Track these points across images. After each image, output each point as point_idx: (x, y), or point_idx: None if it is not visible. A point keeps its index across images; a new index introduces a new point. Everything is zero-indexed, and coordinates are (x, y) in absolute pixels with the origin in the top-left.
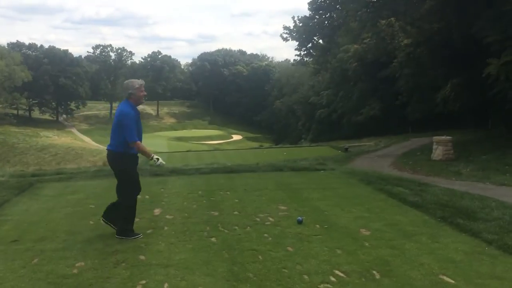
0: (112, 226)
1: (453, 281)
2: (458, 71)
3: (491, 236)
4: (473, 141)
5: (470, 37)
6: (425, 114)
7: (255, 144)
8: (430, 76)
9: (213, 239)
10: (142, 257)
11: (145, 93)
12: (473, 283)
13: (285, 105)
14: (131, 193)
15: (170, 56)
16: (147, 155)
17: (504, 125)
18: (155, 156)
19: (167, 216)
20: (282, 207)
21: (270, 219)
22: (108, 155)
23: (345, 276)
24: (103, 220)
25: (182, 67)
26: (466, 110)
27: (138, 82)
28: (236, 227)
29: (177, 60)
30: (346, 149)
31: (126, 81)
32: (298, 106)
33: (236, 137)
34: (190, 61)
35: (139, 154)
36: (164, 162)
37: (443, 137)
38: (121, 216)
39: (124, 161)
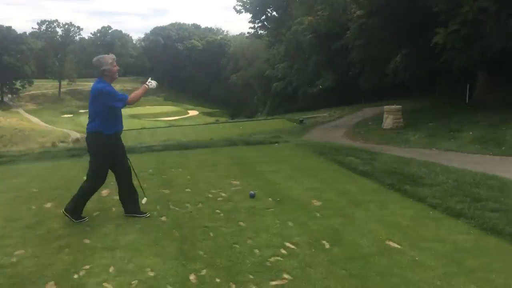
0: (137, 216)
1: (399, 246)
2: (408, 41)
3: (435, 201)
4: (421, 109)
5: (420, 7)
6: (377, 84)
7: (212, 119)
8: (381, 47)
9: (163, 218)
10: (87, 241)
11: (118, 67)
12: (417, 246)
13: (241, 79)
14: (100, 176)
15: (121, 31)
16: (144, 91)
17: (450, 93)
18: (147, 83)
19: (115, 197)
20: (235, 182)
21: (223, 194)
22: (86, 137)
23: (295, 248)
24: (127, 215)
25: (134, 42)
26: (415, 80)
27: (110, 57)
28: (188, 205)
29: (128, 35)
30: (302, 121)
31: (96, 58)
32: (254, 80)
33: (192, 112)
34: (142, 36)
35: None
36: (154, 82)
37: (393, 106)
38: (79, 196)
39: (102, 142)
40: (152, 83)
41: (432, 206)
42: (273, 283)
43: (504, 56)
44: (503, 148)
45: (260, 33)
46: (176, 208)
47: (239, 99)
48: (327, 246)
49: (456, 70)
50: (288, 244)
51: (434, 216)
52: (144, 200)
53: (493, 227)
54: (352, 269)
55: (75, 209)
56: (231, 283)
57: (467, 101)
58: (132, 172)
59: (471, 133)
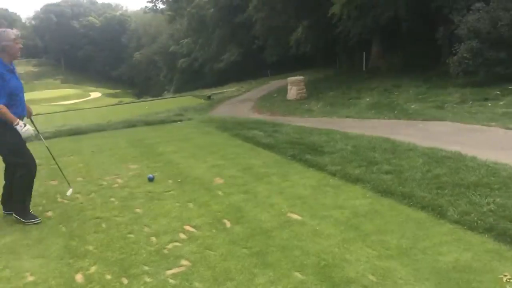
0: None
1: (300, 217)
2: (308, 13)
3: (334, 168)
4: (323, 79)
5: None
6: (281, 56)
7: (116, 101)
8: (283, 19)
9: (49, 213)
10: None
11: (21, 46)
12: (318, 216)
13: (145, 56)
14: (24, 164)
15: (7, 10)
16: (10, 120)
17: (349, 62)
18: (21, 123)
19: None
20: (133, 166)
21: (119, 180)
22: None
23: (195, 231)
24: (5, 213)
25: (24, 21)
26: (318, 51)
27: (14, 33)
28: (78, 195)
29: (16, 13)
30: (209, 97)
31: None
32: (159, 57)
33: (94, 94)
34: (32, 14)
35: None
36: (32, 129)
37: (296, 78)
38: (18, 193)
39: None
40: (23, 128)
41: (332, 174)
42: (170, 272)
43: (393, 24)
44: (395, 111)
45: (160, 7)
46: (65, 201)
47: (144, 77)
48: (228, 225)
49: (353, 40)
50: (187, 228)
51: (333, 183)
52: (69, 192)
53: (386, 189)
54: (253, 247)
55: (22, 208)
56: (123, 278)
57: (364, 69)
58: (53, 159)
59: (368, 99)
